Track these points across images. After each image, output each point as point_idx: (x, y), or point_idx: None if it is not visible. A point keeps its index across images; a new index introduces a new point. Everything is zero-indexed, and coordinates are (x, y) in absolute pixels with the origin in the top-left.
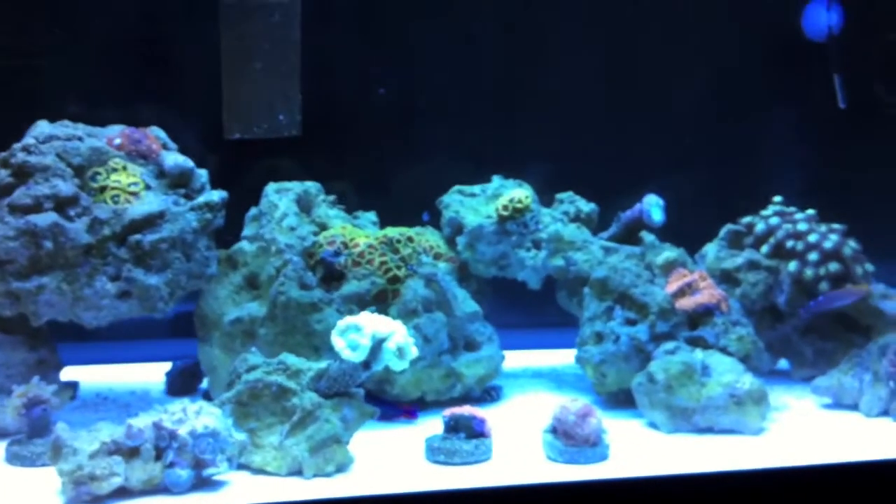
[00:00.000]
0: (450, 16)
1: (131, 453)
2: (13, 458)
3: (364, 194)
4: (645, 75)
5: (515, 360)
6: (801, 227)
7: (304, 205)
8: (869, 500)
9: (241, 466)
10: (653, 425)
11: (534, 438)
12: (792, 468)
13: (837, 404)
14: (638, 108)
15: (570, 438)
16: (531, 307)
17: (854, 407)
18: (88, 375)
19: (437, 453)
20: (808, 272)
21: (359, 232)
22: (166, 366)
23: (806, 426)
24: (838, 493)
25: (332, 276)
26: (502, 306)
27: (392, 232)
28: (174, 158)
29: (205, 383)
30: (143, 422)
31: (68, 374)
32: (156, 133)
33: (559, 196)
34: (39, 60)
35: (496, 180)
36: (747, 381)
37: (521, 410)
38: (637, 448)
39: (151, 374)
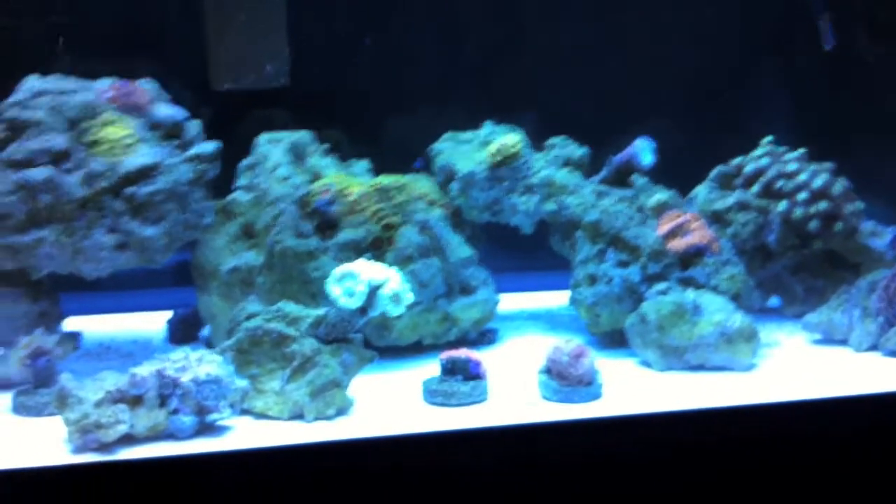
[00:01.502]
0: None
1: (135, 401)
2: (20, 409)
3: (357, 143)
4: (634, 19)
5: (511, 302)
6: (791, 167)
7: (297, 154)
8: (856, 433)
9: (244, 412)
10: (645, 364)
11: (529, 379)
12: (780, 403)
13: (828, 340)
14: (628, 53)
15: (564, 378)
16: (526, 250)
17: (844, 342)
18: (91, 325)
19: (434, 395)
20: (798, 211)
21: (352, 180)
22: (168, 314)
23: (796, 362)
24: (826, 426)
25: (327, 224)
26: (497, 250)
27: (385, 180)
28: (166, 110)
29: (206, 331)
30: (146, 370)
31: (71, 324)
32: (147, 85)
33: (551, 141)
34: (26, 17)
35: (487, 126)
36: (737, 320)
37: (516, 352)
38: (630, 386)
39: (153, 323)
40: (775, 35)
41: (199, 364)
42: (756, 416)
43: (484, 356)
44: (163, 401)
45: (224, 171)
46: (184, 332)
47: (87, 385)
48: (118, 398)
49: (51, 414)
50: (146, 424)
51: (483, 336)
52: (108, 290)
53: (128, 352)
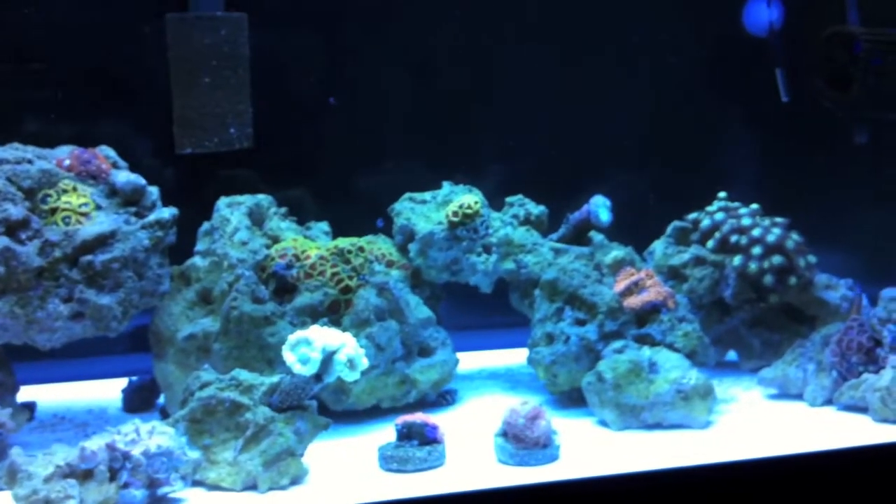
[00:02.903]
0: (398, 25)
1: (86, 475)
2: None
3: (318, 202)
4: (590, 78)
5: (471, 361)
6: (745, 221)
7: (256, 218)
8: (814, 488)
9: (196, 483)
10: (603, 423)
11: (487, 442)
12: (737, 462)
13: (783, 394)
14: (583, 111)
15: (521, 441)
16: (485, 308)
17: (799, 397)
18: (46, 394)
19: (390, 461)
20: (753, 266)
21: (310, 244)
22: (123, 382)
23: (752, 418)
24: (783, 483)
25: (284, 288)
26: (456, 309)
27: (343, 242)
28: (125, 176)
29: (162, 399)
30: (96, 443)
31: (25, 393)
32: (105, 152)
33: (509, 199)
34: None
35: (446, 186)
36: (693, 377)
37: (475, 413)
38: (587, 447)
39: (108, 391)
40: (733, 87)
41: (151, 436)
42: (712, 475)
43: (442, 418)
44: (113, 474)
45: (187, 232)
46: (139, 400)
47: (38, 459)
48: (68, 473)
49: (0, 489)
50: (96, 499)
51: (442, 397)
52: (62, 358)
53: (82, 421)
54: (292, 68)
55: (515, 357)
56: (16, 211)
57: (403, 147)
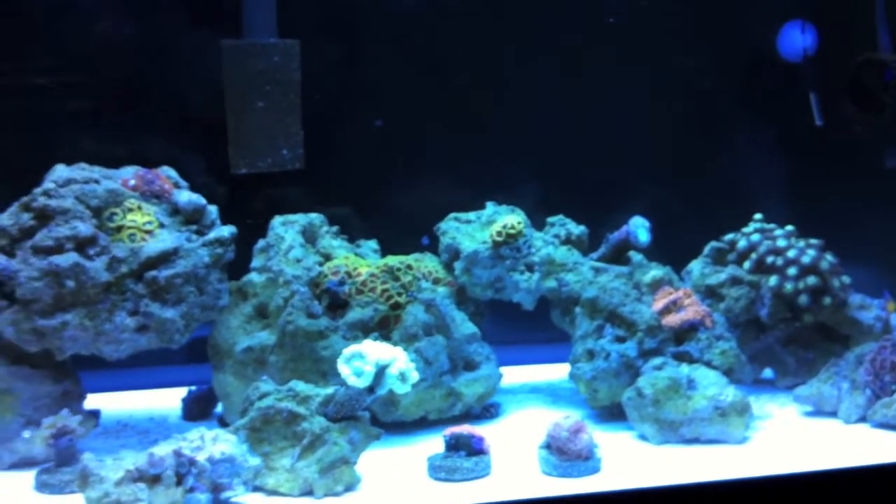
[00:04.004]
0: (444, 49)
1: (154, 480)
2: (42, 487)
3: (366, 221)
4: (629, 102)
5: (514, 375)
6: (781, 243)
7: (309, 236)
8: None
9: (256, 489)
10: (643, 437)
11: (531, 454)
12: (773, 476)
13: (818, 412)
14: (623, 134)
15: (564, 453)
16: (528, 324)
17: (834, 414)
18: (108, 402)
19: (438, 471)
20: (788, 286)
21: (361, 261)
22: (182, 391)
23: (787, 434)
24: (818, 498)
25: (336, 304)
26: (500, 324)
27: (392, 260)
28: (187, 196)
29: (220, 408)
30: (163, 450)
31: (90, 402)
32: (167, 173)
33: (550, 220)
34: (50, 103)
35: (490, 207)
36: (730, 394)
37: (518, 426)
38: (627, 460)
39: (168, 400)
40: (767, 111)
41: (214, 443)
42: (750, 489)
43: (487, 431)
44: (179, 479)
45: (240, 249)
46: (198, 409)
47: (108, 464)
48: (137, 477)
49: (71, 492)
50: (164, 502)
51: (486, 410)
52: (123, 368)
53: (144, 429)
54: (339, 92)
55: (557, 372)
56: (84, 228)
57: (446, 168)
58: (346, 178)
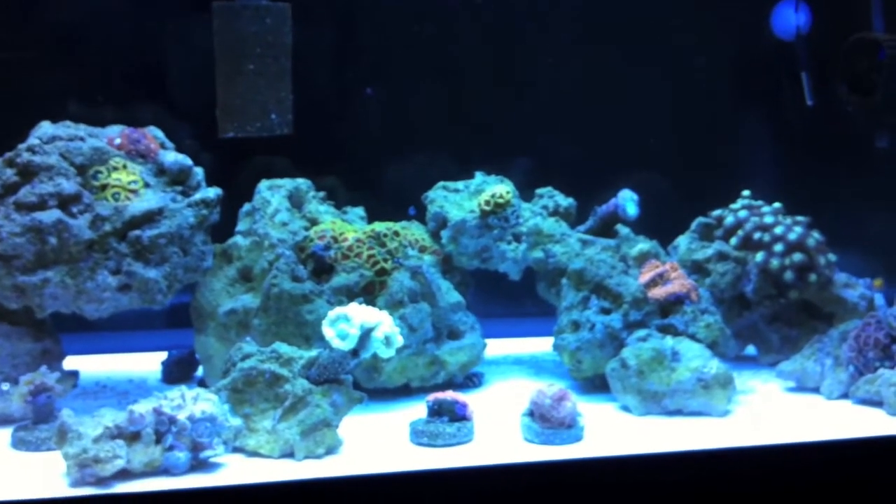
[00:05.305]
0: (434, 18)
1: (133, 437)
2: (19, 443)
3: (353, 190)
4: (621, 75)
5: (497, 347)
6: (768, 219)
7: (296, 201)
8: (826, 477)
9: (237, 449)
10: (625, 408)
11: (513, 421)
12: (753, 447)
13: (801, 388)
14: (614, 107)
15: (547, 421)
16: (512, 297)
17: (816, 390)
18: (88, 365)
19: (421, 436)
20: (774, 262)
21: (347, 227)
22: (162, 355)
23: (769, 408)
24: (798, 470)
25: (322, 269)
26: (485, 296)
27: (379, 226)
28: (173, 157)
29: (200, 371)
30: (143, 407)
31: (69, 363)
32: (154, 133)
33: (539, 191)
34: (38, 62)
35: (479, 176)
36: (714, 366)
37: (501, 395)
38: (610, 430)
39: (148, 364)
40: (758, 90)
41: (195, 402)
42: (731, 460)
43: (470, 399)
44: (159, 437)
45: (224, 213)
46: (178, 372)
47: (87, 421)
48: (116, 434)
49: (48, 449)
50: (142, 460)
51: (469, 380)
52: (103, 331)
53: (123, 390)
54: (329, 59)
55: (540, 345)
56: (68, 185)
57: (435, 139)
58: (335, 145)
